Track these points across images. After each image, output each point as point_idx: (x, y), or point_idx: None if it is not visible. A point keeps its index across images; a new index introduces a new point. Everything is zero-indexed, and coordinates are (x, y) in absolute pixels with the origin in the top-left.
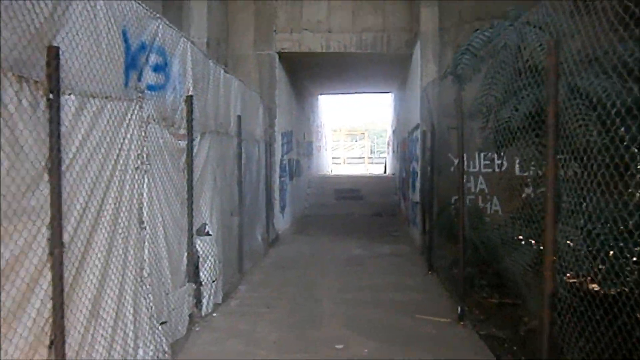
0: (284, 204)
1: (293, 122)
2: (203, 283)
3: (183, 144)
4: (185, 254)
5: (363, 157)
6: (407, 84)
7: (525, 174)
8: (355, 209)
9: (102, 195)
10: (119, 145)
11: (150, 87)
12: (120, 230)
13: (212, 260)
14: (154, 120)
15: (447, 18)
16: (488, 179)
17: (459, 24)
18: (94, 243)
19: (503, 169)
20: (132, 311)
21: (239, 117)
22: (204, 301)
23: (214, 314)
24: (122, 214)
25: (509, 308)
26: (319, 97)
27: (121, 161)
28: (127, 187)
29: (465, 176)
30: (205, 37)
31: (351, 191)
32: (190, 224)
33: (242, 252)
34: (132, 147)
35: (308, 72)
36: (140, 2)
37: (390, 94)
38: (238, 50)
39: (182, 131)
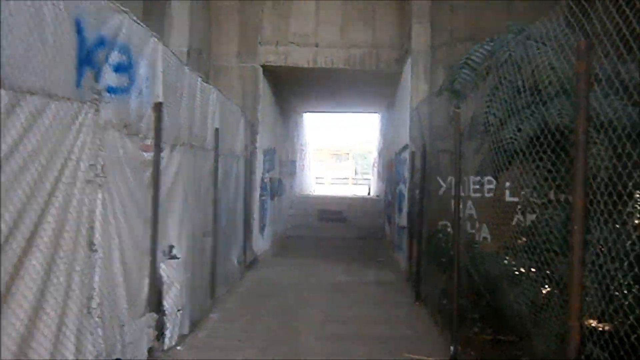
0: (264, 224)
1: (276, 139)
2: (167, 312)
3: (149, 156)
4: (147, 279)
5: (347, 178)
6: (395, 104)
7: (516, 199)
8: (338, 232)
9: (39, 212)
10: (66, 153)
11: (110, 89)
12: (62, 254)
13: (179, 286)
14: (113, 127)
15: (438, 36)
16: (477, 203)
17: (450, 42)
18: (24, 270)
19: (493, 194)
20: (73, 350)
21: (217, 130)
22: (167, 333)
23: (178, 347)
24: (66, 235)
25: (504, 345)
26: (304, 114)
27: (67, 172)
28: (75, 202)
29: (452, 201)
30: (186, 46)
31: (335, 213)
32: (154, 245)
33: (215, 277)
34: (84, 156)
35: (293, 87)
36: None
37: (376, 115)
38: (221, 61)
39: (149, 142)
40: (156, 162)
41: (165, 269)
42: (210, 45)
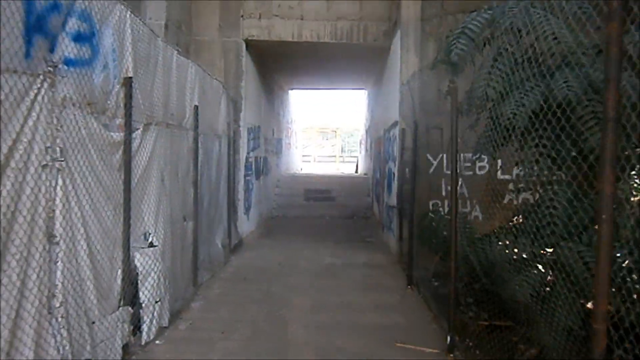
0: (249, 204)
1: (261, 117)
2: (144, 305)
3: (119, 136)
4: (120, 271)
5: (334, 156)
6: (383, 80)
7: (508, 177)
8: (326, 211)
9: None
10: (14, 135)
11: (68, 61)
12: (14, 249)
13: (156, 276)
14: (74, 105)
15: (428, 8)
16: (469, 182)
17: (441, 15)
18: None
19: (488, 171)
20: (31, 356)
21: (196, 107)
22: (145, 327)
23: (157, 342)
24: (17, 227)
25: (500, 332)
26: (290, 92)
27: (17, 156)
28: (28, 190)
29: (444, 180)
30: (163, 19)
31: (322, 192)
32: (127, 234)
33: (197, 263)
34: (37, 137)
35: (278, 63)
36: None
37: (364, 91)
38: (201, 35)
39: (119, 121)
40: (127, 143)
41: (141, 258)
42: (190, 18)
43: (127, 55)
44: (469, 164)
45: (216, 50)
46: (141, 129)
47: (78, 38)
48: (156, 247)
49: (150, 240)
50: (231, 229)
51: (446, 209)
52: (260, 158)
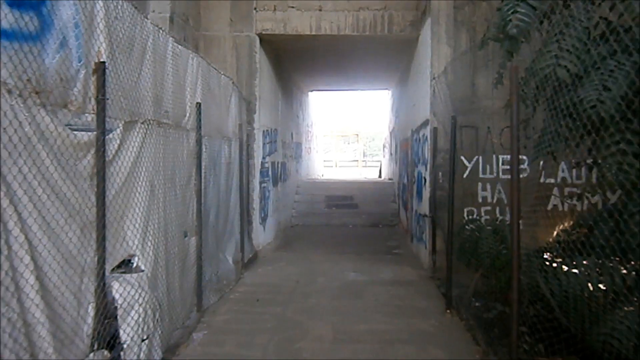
0: (266, 214)
1: (278, 119)
2: (126, 345)
3: (86, 136)
4: (91, 306)
5: (356, 161)
6: (409, 76)
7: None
8: (348, 219)
9: None
10: None
11: (4, 34)
12: None
13: (142, 308)
14: (10, 92)
15: None
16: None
17: (474, 2)
18: None
19: (525, 174)
20: None
21: (199, 105)
22: None
23: None
24: None
25: None
26: (309, 94)
27: None
28: None
29: (480, 185)
30: (168, 12)
31: (344, 198)
32: (102, 259)
33: (201, 284)
34: None
35: (295, 61)
36: None
37: (387, 91)
38: (211, 30)
39: (89, 117)
40: (100, 145)
41: (121, 288)
42: (198, 12)
43: (98, 34)
44: (508, 167)
45: (227, 46)
46: (121, 127)
47: (20, 4)
48: (142, 273)
49: (134, 264)
50: (244, 242)
51: (482, 218)
52: (277, 163)
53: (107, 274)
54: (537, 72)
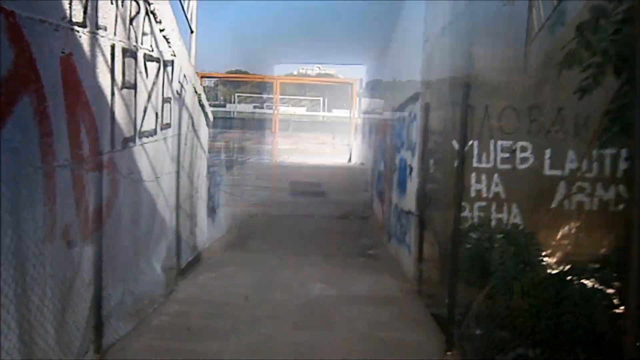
0: (215, 204)
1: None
2: None
3: None
4: None
5: (324, 144)
6: (391, 46)
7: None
8: (315, 209)
9: None
10: None
11: None
12: None
13: None
14: None
15: None
16: (507, 178)
17: None
18: None
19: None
20: None
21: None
22: None
23: None
24: None
25: None
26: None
27: None
28: None
29: (474, 175)
30: None
31: (311, 185)
32: None
33: (101, 313)
34: None
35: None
36: None
37: (362, 66)
38: None
39: None
40: None
41: None
42: None
43: None
44: (507, 155)
45: None
46: None
47: None
48: None
49: None
50: (180, 243)
51: (475, 215)
52: (233, 142)
53: None
54: None
